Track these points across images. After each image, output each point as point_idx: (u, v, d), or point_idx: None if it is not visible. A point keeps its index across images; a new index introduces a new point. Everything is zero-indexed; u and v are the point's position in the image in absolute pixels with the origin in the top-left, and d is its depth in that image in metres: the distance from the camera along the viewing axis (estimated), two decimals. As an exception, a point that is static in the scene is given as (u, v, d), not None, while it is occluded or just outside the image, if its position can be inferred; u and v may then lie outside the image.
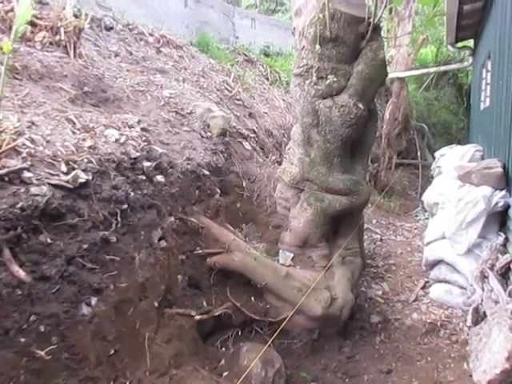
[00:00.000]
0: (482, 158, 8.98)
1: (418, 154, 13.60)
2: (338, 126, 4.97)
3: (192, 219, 4.74)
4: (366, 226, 8.71)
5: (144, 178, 4.19)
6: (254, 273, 4.86)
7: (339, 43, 4.97)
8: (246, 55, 10.72)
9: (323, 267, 5.24)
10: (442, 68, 13.42)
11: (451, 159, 9.21)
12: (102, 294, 3.52)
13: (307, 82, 5.10)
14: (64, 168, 3.50)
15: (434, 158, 11.21)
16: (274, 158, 6.86)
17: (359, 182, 5.25)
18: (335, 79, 4.98)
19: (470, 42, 12.87)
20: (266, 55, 11.78)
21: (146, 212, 4.13)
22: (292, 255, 5.26)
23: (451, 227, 6.17)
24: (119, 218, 3.77)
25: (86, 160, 3.68)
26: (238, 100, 7.93)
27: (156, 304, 4.06)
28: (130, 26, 7.41)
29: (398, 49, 12.95)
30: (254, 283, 4.90)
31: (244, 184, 5.67)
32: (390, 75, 12.77)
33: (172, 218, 4.46)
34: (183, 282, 4.49)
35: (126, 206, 3.87)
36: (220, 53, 9.25)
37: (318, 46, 4.97)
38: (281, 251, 5.31)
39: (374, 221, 9.63)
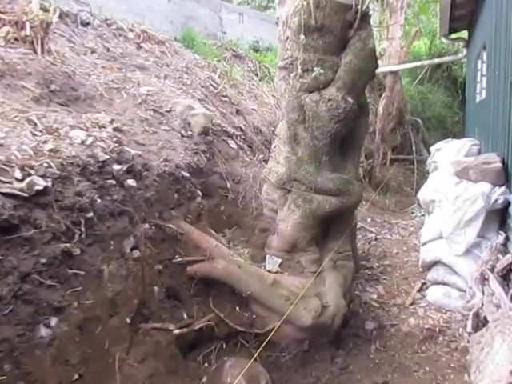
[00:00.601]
0: (479, 152, 8.64)
1: (413, 148, 13.24)
2: (325, 121, 4.60)
3: (170, 225, 4.37)
4: (360, 224, 8.38)
5: (114, 182, 3.82)
6: (239, 281, 4.50)
7: (325, 33, 4.60)
8: (234, 51, 10.33)
9: (313, 273, 4.88)
10: (436, 60, 13.04)
11: (447, 154, 8.86)
12: (63, 313, 3.16)
13: (292, 75, 4.73)
14: (18, 174, 3.12)
15: (429, 153, 10.86)
16: (262, 156, 6.49)
17: (350, 181, 4.89)
18: (322, 71, 4.61)
19: (464, 34, 12.54)
20: (256, 50, 11.39)
21: (116, 219, 3.75)
22: (280, 261, 4.90)
23: (448, 226, 5.82)
24: (84, 228, 3.39)
25: (45, 165, 3.30)
26: (225, 97, 7.56)
27: (128, 320, 3.68)
28: (109, 22, 7.02)
29: (391, 42, 12.58)
30: (238, 292, 4.53)
31: (228, 185, 5.30)
32: (383, 69, 12.44)
33: (147, 225, 4.09)
34: (160, 294, 4.12)
35: (91, 213, 3.49)
36: (206, 48, 8.87)
37: (302, 36, 4.60)
38: (268, 256, 4.95)
39: (369, 219, 9.27)
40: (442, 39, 12.35)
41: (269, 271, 4.75)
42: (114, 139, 4.11)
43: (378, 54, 10.87)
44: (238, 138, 6.57)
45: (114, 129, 4.39)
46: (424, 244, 6.36)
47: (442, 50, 14.40)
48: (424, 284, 6.51)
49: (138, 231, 3.92)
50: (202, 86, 7.19)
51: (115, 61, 6.20)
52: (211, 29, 10.75)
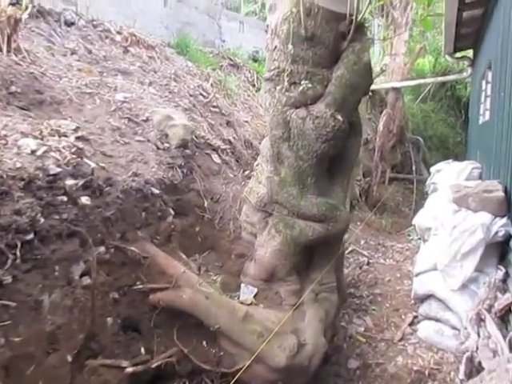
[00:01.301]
0: (481, 176, 8.19)
1: (413, 168, 12.73)
2: (312, 140, 4.11)
3: (132, 248, 3.86)
4: (352, 247, 7.89)
5: (65, 199, 3.33)
6: (206, 313, 3.99)
7: (316, 43, 4.13)
8: (231, 59, 9.88)
9: (292, 305, 4.38)
10: (440, 79, 12.57)
11: (447, 176, 8.43)
12: (-16, 352, 2.65)
13: (278, 87, 4.25)
14: None
15: (429, 173, 10.40)
16: (249, 172, 5.98)
17: (337, 206, 4.39)
18: (310, 85, 4.13)
19: (470, 53, 12.09)
20: (255, 60, 10.93)
21: (64, 242, 3.26)
22: (255, 290, 4.40)
23: (444, 258, 5.32)
24: (20, 252, 2.90)
25: (-22, 178, 2.81)
26: (215, 107, 7.09)
27: (69, 357, 3.17)
28: (95, 23, 6.57)
29: (394, 57, 12.11)
30: (206, 325, 4.02)
31: (205, 204, 4.82)
32: (385, 85, 12.01)
33: (102, 248, 3.59)
34: (114, 326, 3.62)
35: (31, 235, 3.00)
36: (200, 56, 8.41)
37: (290, 46, 4.14)
38: (243, 285, 4.45)
39: (362, 241, 8.75)
40: (447, 57, 11.89)
41: (242, 302, 4.25)
42: (73, 150, 3.63)
43: (379, 69, 10.46)
44: (225, 151, 6.08)
45: (78, 138, 3.92)
46: (417, 275, 5.84)
47: (447, 69, 13.93)
48: (416, 317, 5.99)
49: (91, 255, 3.41)
50: (191, 95, 6.72)
51: (97, 64, 5.74)
52: (209, 36, 10.30)
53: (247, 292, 4.38)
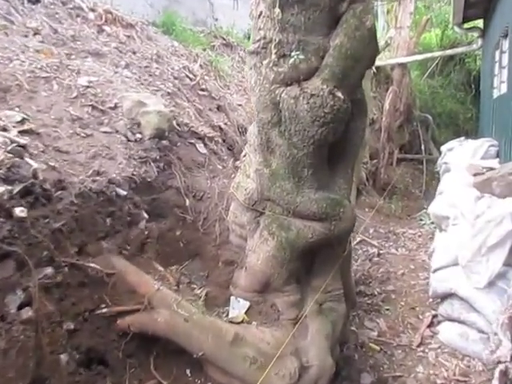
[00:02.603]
0: (498, 154, 7.38)
1: (422, 147, 11.93)
2: (307, 124, 3.31)
3: (92, 264, 3.11)
4: (360, 237, 7.10)
5: (-5, 211, 2.57)
6: (188, 338, 3.26)
7: (308, 6, 3.32)
8: (224, 39, 9.03)
9: (292, 320, 3.65)
10: (448, 52, 11.64)
11: (461, 155, 7.65)
12: None
13: (265, 62, 3.46)
14: None
15: (439, 152, 9.59)
16: (240, 162, 5.20)
17: (340, 201, 3.61)
18: (302, 57, 3.33)
19: (479, 23, 11.14)
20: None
21: (-7, 267, 2.51)
22: (247, 304, 3.66)
23: (467, 252, 4.55)
24: None
25: None
26: (203, 90, 6.29)
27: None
28: (64, 0, 5.75)
29: (399, 31, 11.18)
30: (189, 351, 3.28)
31: (187, 203, 4.05)
32: (391, 61, 11.15)
33: (50, 269, 2.83)
34: (71, 363, 2.88)
35: None
36: (188, 35, 7.58)
37: (277, 10, 3.34)
38: (233, 298, 3.71)
39: (372, 229, 7.97)
40: (455, 29, 10.99)
41: (231, 321, 3.50)
42: (11, 147, 2.86)
43: (384, 43, 9.57)
44: (213, 139, 5.29)
45: (22, 132, 3.14)
46: (435, 271, 5.07)
47: (455, 41, 12.97)
48: (435, 317, 5.24)
49: (32, 280, 2.66)
50: (176, 78, 5.93)
51: (63, 45, 4.96)
52: (200, 15, 9.45)
53: (238, 306, 3.63)
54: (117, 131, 3.94)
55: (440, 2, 13.57)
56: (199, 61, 6.90)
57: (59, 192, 3.04)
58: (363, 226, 7.74)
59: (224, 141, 5.85)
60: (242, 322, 3.53)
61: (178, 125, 4.81)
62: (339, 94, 3.31)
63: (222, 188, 4.20)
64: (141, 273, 3.34)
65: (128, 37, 5.97)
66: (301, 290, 3.78)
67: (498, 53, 8.63)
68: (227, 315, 3.58)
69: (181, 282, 3.62)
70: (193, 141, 4.85)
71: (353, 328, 4.98)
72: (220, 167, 4.83)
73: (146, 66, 5.68)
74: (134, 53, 5.81)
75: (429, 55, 11.62)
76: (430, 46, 13.46)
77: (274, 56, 3.40)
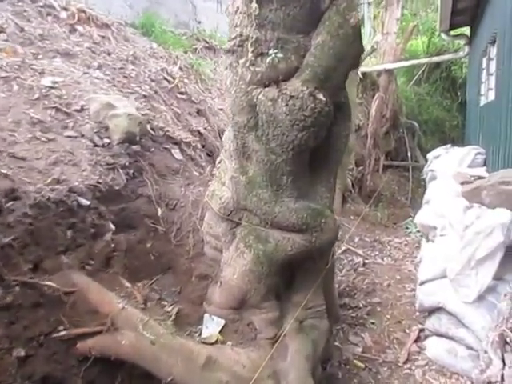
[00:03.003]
0: (485, 162, 7.21)
1: (408, 154, 11.72)
2: (285, 128, 3.05)
3: (48, 282, 2.81)
4: (345, 246, 6.85)
5: None
6: (155, 362, 2.95)
7: (289, 1, 3.07)
8: (207, 42, 8.76)
9: (270, 339, 3.37)
10: (435, 59, 11.48)
11: (448, 163, 7.48)
12: None
13: (241, 61, 3.19)
14: None
15: (425, 159, 9.42)
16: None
17: (322, 211, 3.35)
18: (281, 56, 3.07)
19: (466, 31, 11.04)
20: (234, 43, 9.77)
21: None
22: (223, 322, 3.36)
23: (455, 265, 4.31)
24: None
25: None
26: (183, 93, 6.01)
27: None
28: (34, -3, 5.45)
29: (386, 37, 10.99)
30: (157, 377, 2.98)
31: (159, 213, 3.76)
32: (377, 67, 10.97)
33: (-3, 289, 2.52)
34: (22, 394, 2.56)
35: None
36: (168, 37, 7.29)
37: (255, 5, 3.08)
38: (206, 316, 3.42)
39: (357, 238, 7.71)
40: (442, 35, 10.87)
41: (204, 342, 3.20)
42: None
43: (370, 48, 9.37)
44: (191, 145, 5.01)
45: (-28, 136, 2.83)
46: (422, 283, 4.81)
47: (442, 49, 12.82)
48: (422, 331, 4.98)
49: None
50: (153, 80, 5.64)
51: (30, 44, 4.66)
52: (182, 17, 9.17)
53: (212, 325, 3.34)
54: (82, 135, 3.65)
55: (427, 10, 13.41)
56: (179, 63, 6.62)
57: (11, 203, 2.73)
58: (348, 234, 7.50)
59: (204, 146, 5.58)
60: (216, 342, 3.24)
61: (152, 129, 4.52)
62: (320, 96, 3.05)
63: (196, 196, 3.92)
64: (104, 290, 3.04)
65: (102, 37, 5.68)
66: (280, 307, 3.50)
67: (485, 60, 8.48)
68: (200, 335, 3.29)
69: (150, 299, 3.32)
70: (168, 146, 4.56)
71: (336, 343, 4.71)
72: (197, 174, 4.55)
73: (121, 68, 5.39)
74: (109, 54, 5.52)
75: (415, 62, 11.45)
76: (417, 53, 13.30)
77: (250, 55, 3.13)
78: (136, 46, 6.25)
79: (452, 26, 10.49)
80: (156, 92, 5.57)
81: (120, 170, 3.62)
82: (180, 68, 6.65)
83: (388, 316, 5.34)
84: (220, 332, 3.31)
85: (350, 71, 3.39)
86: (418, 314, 5.17)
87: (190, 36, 8.64)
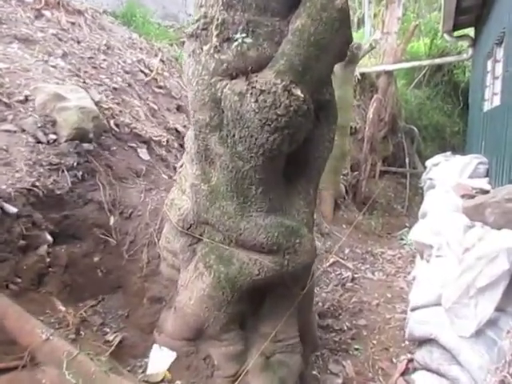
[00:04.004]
0: (487, 173, 6.68)
1: (407, 160, 11.19)
2: (255, 128, 2.51)
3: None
4: (334, 258, 6.32)
5: None
6: (83, 407, 2.40)
7: (263, -23, 2.52)
8: (196, 35, 8.18)
9: (230, 377, 2.83)
10: (437, 61, 10.95)
11: (447, 172, 6.96)
12: None
13: (205, 48, 2.65)
14: None
15: (424, 166, 8.91)
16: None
17: (297, 230, 2.81)
18: (250, 41, 2.54)
19: (470, 32, 10.50)
20: (226, 38, 9.24)
21: None
22: (173, 356, 2.82)
23: (452, 292, 3.75)
24: None
25: None
26: (161, 88, 5.49)
27: None
28: (-3, -22, 4.91)
29: (386, 37, 10.47)
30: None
31: (111, 222, 3.21)
32: (376, 68, 10.45)
33: None
34: None
35: None
36: (151, 28, 6.74)
37: (222, -20, 2.53)
38: (155, 347, 2.88)
39: (347, 249, 7.18)
40: (445, 36, 10.30)
41: (147, 381, 2.66)
42: None
43: (369, 45, 8.84)
44: (164, 144, 4.48)
45: None
46: (414, 309, 4.26)
47: (444, 51, 12.29)
48: (410, 361, 4.42)
49: None
50: (127, 72, 5.12)
51: (-16, 27, 4.10)
52: (171, 9, 8.63)
53: (160, 358, 2.81)
54: (23, 130, 3.12)
55: (430, 11, 12.89)
56: (160, 55, 6.07)
57: None
58: (338, 244, 6.99)
59: (181, 146, 5.03)
60: (163, 380, 2.70)
61: (116, 125, 4.00)
62: (297, 92, 2.51)
63: (157, 203, 3.38)
64: (26, 316, 2.50)
65: (72, 24, 5.14)
66: (244, 339, 2.97)
67: (490, 62, 7.94)
68: (145, 371, 2.74)
69: (90, 325, 2.79)
70: (134, 145, 4.02)
71: (314, 372, 4.17)
72: (166, 177, 4.01)
73: (90, 57, 4.86)
74: (78, 42, 4.99)
75: (416, 63, 10.91)
76: (418, 54, 12.76)
77: (215, 39, 2.61)
78: (112, 36, 5.72)
79: (455, 27, 9.96)
80: (129, 85, 5.04)
81: (65, 172, 3.09)
82: (162, 60, 6.12)
83: (374, 341, 4.80)
84: (169, 368, 2.77)
85: (335, 63, 2.87)
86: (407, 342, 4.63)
87: (178, 28, 8.10)
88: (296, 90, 2.52)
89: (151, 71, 5.49)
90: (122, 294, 3.08)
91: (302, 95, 2.53)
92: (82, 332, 2.64)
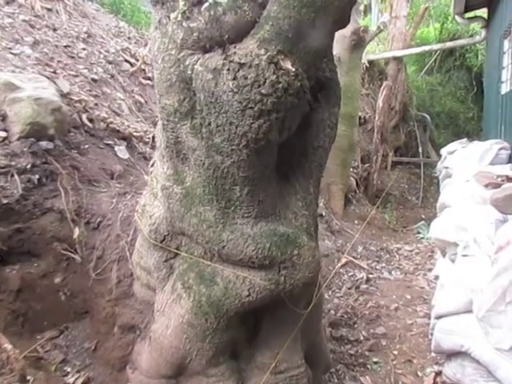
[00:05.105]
0: (510, 159, 6.02)
1: (420, 150, 10.55)
2: (234, 114, 1.92)
3: None
4: (347, 258, 5.72)
5: None
6: None
7: None
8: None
9: (220, 422, 2.23)
10: (449, 44, 10.25)
11: (465, 160, 6.30)
12: None
13: (172, 16, 2.05)
14: None
15: (438, 155, 8.31)
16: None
17: (295, 238, 2.21)
18: (225, 0, 1.92)
19: (483, 13, 9.79)
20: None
21: None
22: (150, 399, 2.24)
23: (485, 298, 3.13)
24: None
25: None
26: (149, 79, 4.90)
27: None
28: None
29: (395, 21, 9.81)
30: None
31: (75, 234, 2.63)
32: (385, 54, 9.81)
33: None
34: None
35: None
36: (141, 16, 6.18)
37: None
38: (128, 388, 2.30)
39: (360, 247, 6.56)
40: (457, 18, 9.59)
41: None
42: None
43: (376, 28, 8.18)
44: (149, 140, 3.91)
45: None
46: (439, 317, 3.64)
47: (455, 34, 11.57)
48: (438, 375, 3.82)
49: None
50: (110, 62, 4.57)
51: None
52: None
53: (134, 402, 2.23)
54: (-36, 127, 2.55)
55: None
56: (149, 44, 5.49)
57: None
58: (351, 243, 6.38)
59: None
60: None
61: (89, 120, 3.43)
62: (287, 65, 1.91)
63: (131, 210, 2.79)
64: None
65: (49, 10, 4.58)
66: (238, 372, 2.39)
67: (507, 41, 7.27)
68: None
69: (48, 363, 2.21)
70: (111, 142, 3.45)
71: (329, 392, 3.59)
72: (148, 177, 3.42)
73: (67, 46, 4.31)
74: (55, 29, 4.45)
75: (427, 48, 10.23)
76: (428, 40, 12.08)
77: (182, 3, 2.01)
78: (97, 24, 5.17)
79: (467, 9, 9.28)
80: (112, 76, 4.49)
81: (16, 176, 2.52)
82: (150, 51, 5.52)
83: (395, 352, 4.19)
84: (145, 414, 2.19)
85: (335, 30, 2.25)
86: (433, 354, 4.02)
87: (174, 18, 7.50)
88: (285, 62, 1.92)
89: (138, 61, 4.90)
90: (88, 321, 2.51)
91: (294, 69, 1.93)
92: (30, 377, 2.06)
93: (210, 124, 2.01)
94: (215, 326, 2.22)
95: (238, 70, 1.89)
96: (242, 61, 1.89)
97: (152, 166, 2.59)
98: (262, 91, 1.87)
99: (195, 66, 2.00)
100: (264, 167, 2.16)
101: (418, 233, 7.88)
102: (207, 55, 2.00)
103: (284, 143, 2.18)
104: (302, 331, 2.59)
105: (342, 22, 2.22)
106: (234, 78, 1.89)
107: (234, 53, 1.93)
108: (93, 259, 2.65)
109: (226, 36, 1.99)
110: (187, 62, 2.02)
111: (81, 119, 3.36)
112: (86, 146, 3.23)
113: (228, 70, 1.90)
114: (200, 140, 2.06)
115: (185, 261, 2.30)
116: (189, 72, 2.02)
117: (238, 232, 2.13)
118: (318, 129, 2.37)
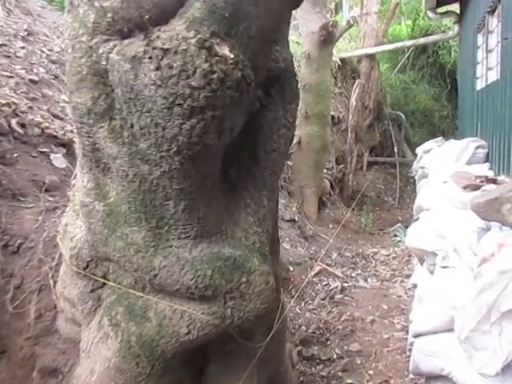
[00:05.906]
0: (487, 158, 5.77)
1: (395, 149, 10.30)
2: (160, 112, 1.53)
3: None
4: (320, 266, 5.38)
5: None
6: None
7: None
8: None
9: None
10: (421, 40, 10.02)
11: (442, 159, 6.07)
12: None
13: (85, -4, 1.65)
14: None
15: (414, 154, 8.10)
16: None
17: (243, 262, 1.83)
18: (142, -28, 1.53)
19: (455, 8, 9.60)
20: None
21: None
22: None
23: (468, 316, 2.78)
24: None
25: None
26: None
27: None
28: None
29: (366, 18, 9.53)
30: None
31: (-11, 260, 2.20)
32: (357, 52, 9.54)
33: None
34: None
35: None
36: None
37: None
38: None
39: (335, 254, 6.22)
40: (428, 13, 9.35)
41: None
42: None
43: (346, 23, 7.88)
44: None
45: None
46: (418, 335, 3.29)
47: (428, 30, 11.38)
48: (417, 396, 3.48)
49: None
50: (53, 62, 4.12)
51: None
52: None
53: None
54: None
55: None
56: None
57: None
58: (325, 249, 6.03)
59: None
60: None
61: (21, 125, 2.99)
62: (224, 50, 1.53)
63: (58, 228, 2.37)
64: None
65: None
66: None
67: (481, 35, 7.02)
68: None
69: None
70: (46, 149, 3.02)
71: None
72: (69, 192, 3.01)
73: (2, 45, 3.85)
74: (-13, 27, 3.97)
75: (400, 45, 9.99)
76: (401, 37, 11.85)
77: (93, -22, 1.61)
78: (40, 21, 4.71)
79: (439, 3, 9.08)
80: (56, 77, 4.06)
81: None
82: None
83: (371, 372, 3.84)
84: None
85: (287, 9, 1.87)
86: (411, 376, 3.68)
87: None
88: (221, 47, 1.54)
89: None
90: (4, 363, 2.08)
91: (232, 55, 1.55)
92: None
93: (132, 126, 1.62)
94: (148, 370, 1.82)
95: (162, 58, 1.50)
96: (166, 46, 1.50)
97: (74, 178, 2.18)
98: (192, 83, 1.49)
99: (110, 55, 1.60)
100: (204, 177, 1.77)
101: (395, 236, 7.59)
102: (125, 41, 1.61)
103: (230, 148, 1.80)
104: (261, 364, 2.21)
105: (297, 1, 1.84)
106: (157, 68, 1.50)
107: (158, 37, 1.54)
108: (10, 289, 2.23)
109: (148, 16, 1.59)
110: (101, 51, 1.63)
111: (9, 125, 2.93)
112: (15, 155, 2.81)
113: (150, 58, 1.52)
114: (121, 146, 1.67)
115: (113, 291, 1.90)
116: (103, 62, 1.62)
117: (172, 257, 1.74)
118: (271, 129, 2.00)
